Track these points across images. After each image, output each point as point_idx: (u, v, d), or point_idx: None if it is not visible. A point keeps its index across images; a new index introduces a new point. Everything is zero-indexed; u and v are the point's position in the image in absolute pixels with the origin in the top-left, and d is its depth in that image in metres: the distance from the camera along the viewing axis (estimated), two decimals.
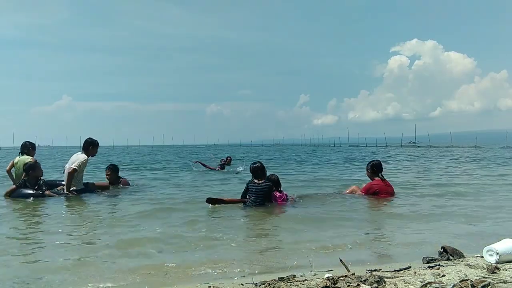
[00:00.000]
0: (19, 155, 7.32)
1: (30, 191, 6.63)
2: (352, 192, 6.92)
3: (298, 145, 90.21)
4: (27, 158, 7.19)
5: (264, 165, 6.07)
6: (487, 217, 5.20)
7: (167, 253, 3.59)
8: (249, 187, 5.91)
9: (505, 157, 23.73)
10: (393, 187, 6.87)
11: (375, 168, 6.72)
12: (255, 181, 5.91)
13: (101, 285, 2.77)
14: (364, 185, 6.94)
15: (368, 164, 6.89)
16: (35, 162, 6.99)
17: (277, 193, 6.03)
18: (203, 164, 14.15)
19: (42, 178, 6.93)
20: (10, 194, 6.67)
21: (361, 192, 6.71)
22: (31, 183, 6.72)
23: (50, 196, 6.70)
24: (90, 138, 7.35)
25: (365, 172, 6.98)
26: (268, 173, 6.17)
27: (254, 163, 6.19)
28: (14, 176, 7.26)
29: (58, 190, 6.99)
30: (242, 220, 5.03)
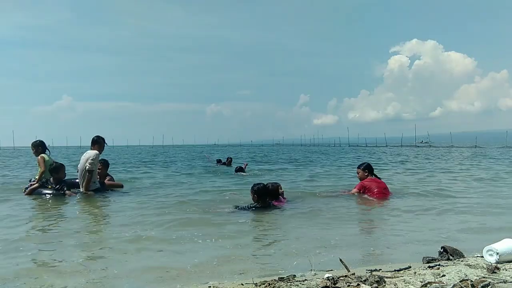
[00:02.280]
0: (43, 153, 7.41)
1: (50, 191, 6.89)
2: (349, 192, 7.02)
3: (298, 145, 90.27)
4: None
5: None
6: (487, 217, 5.20)
7: (167, 253, 3.59)
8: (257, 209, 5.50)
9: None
10: (385, 183, 6.97)
11: (367, 170, 6.93)
12: (258, 205, 5.51)
13: (100, 285, 2.77)
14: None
15: (359, 167, 7.07)
16: (61, 165, 7.26)
17: (275, 202, 5.85)
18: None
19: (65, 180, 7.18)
20: (31, 193, 6.98)
21: (357, 190, 6.79)
22: (53, 183, 6.99)
23: (70, 195, 6.86)
24: (96, 136, 7.53)
25: (356, 175, 7.15)
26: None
27: (257, 184, 5.69)
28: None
29: (76, 190, 7.16)
30: (241, 220, 5.03)
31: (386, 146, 64.82)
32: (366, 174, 6.90)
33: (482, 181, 9.86)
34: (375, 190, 6.63)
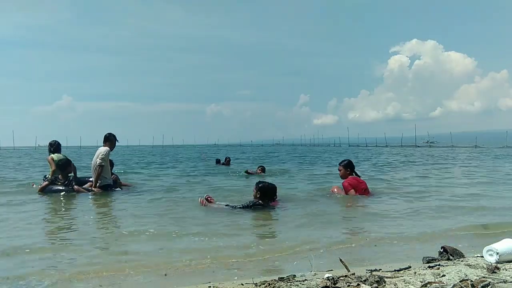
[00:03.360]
0: (52, 153, 7.91)
1: (61, 187, 7.19)
2: (334, 191, 6.99)
3: (298, 145, 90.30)
4: (61, 156, 7.90)
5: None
6: (487, 217, 5.19)
7: (167, 253, 3.59)
8: (256, 207, 5.53)
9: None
10: (365, 183, 6.94)
11: (349, 168, 6.84)
12: (258, 203, 5.55)
13: (99, 284, 2.77)
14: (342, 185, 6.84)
15: (341, 164, 6.93)
16: (67, 160, 7.55)
17: (272, 202, 5.82)
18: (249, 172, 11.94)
19: (70, 175, 7.46)
20: (43, 190, 7.25)
21: (351, 190, 6.69)
22: (61, 179, 7.30)
23: (78, 191, 7.13)
24: (108, 133, 7.80)
25: (338, 172, 6.99)
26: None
27: (262, 181, 5.81)
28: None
29: (87, 187, 7.41)
30: (241, 220, 5.03)
31: (386, 146, 64.76)
32: (348, 172, 6.81)
33: (487, 181, 9.84)
34: (356, 191, 6.62)
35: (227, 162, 16.25)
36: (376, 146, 67.39)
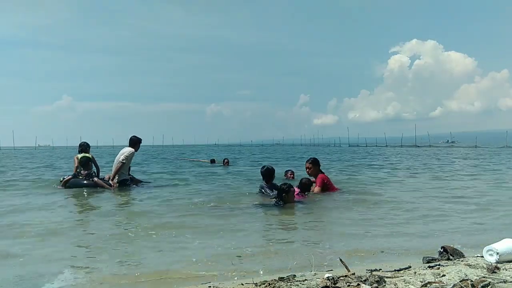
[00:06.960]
0: (79, 153, 8.65)
1: (84, 182, 7.98)
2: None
3: (298, 145, 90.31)
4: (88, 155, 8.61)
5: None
6: (487, 216, 5.20)
7: (167, 252, 3.59)
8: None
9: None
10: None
11: (317, 165, 6.89)
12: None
13: (99, 284, 2.77)
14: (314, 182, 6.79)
15: (310, 162, 6.89)
16: (88, 159, 8.33)
17: (298, 196, 6.02)
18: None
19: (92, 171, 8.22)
20: (65, 184, 8.04)
21: (319, 188, 6.69)
22: (83, 174, 8.09)
23: (97, 184, 7.87)
24: (134, 136, 8.41)
25: (307, 170, 6.92)
26: None
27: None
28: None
29: (105, 179, 8.16)
30: (242, 220, 5.03)
31: (386, 146, 64.75)
32: (317, 168, 6.83)
33: (488, 182, 9.81)
34: (331, 188, 6.80)
35: (226, 163, 16.23)
36: (376, 146, 67.37)
